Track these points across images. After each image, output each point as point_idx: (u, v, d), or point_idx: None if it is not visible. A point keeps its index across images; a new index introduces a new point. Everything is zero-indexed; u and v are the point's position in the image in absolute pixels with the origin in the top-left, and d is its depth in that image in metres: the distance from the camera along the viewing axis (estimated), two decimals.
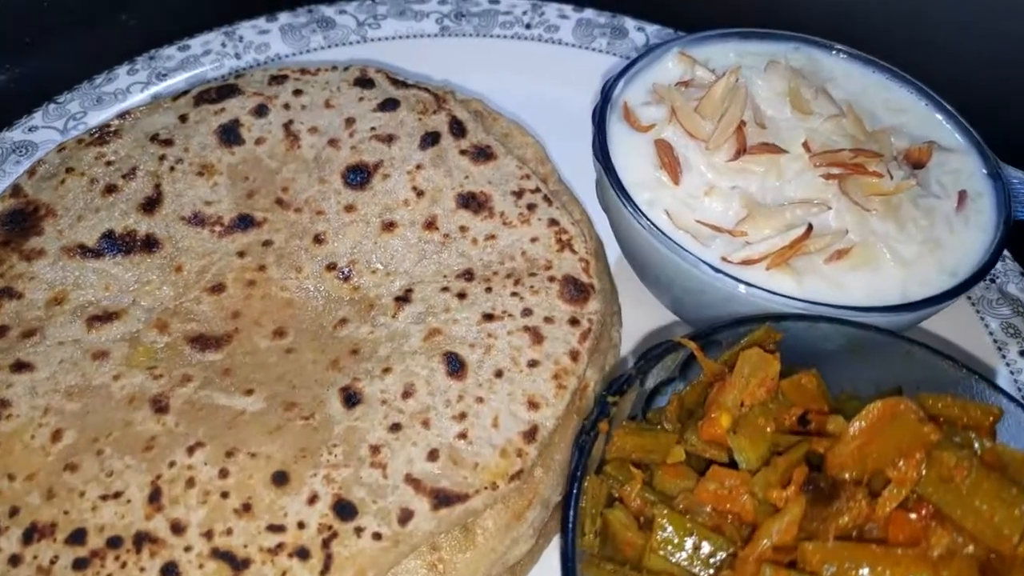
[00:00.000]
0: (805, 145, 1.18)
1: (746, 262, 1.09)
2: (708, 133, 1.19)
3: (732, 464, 0.89)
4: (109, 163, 1.30)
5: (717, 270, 1.07)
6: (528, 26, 1.73)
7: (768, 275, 1.08)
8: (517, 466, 1.02)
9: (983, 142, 1.27)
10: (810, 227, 1.08)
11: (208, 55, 1.63)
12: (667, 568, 0.84)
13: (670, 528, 0.84)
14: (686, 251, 1.09)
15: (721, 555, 0.84)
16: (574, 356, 1.11)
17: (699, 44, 1.37)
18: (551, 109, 1.60)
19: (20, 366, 1.09)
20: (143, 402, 1.07)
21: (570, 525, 0.87)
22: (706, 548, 0.84)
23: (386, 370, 1.09)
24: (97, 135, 1.34)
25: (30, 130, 1.49)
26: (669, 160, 1.18)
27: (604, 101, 1.26)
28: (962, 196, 1.19)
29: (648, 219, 1.12)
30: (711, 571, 0.84)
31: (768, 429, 0.89)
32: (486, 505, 1.00)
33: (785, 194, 1.16)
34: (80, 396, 1.07)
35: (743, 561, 0.81)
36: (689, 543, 0.84)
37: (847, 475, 0.83)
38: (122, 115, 1.38)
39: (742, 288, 1.05)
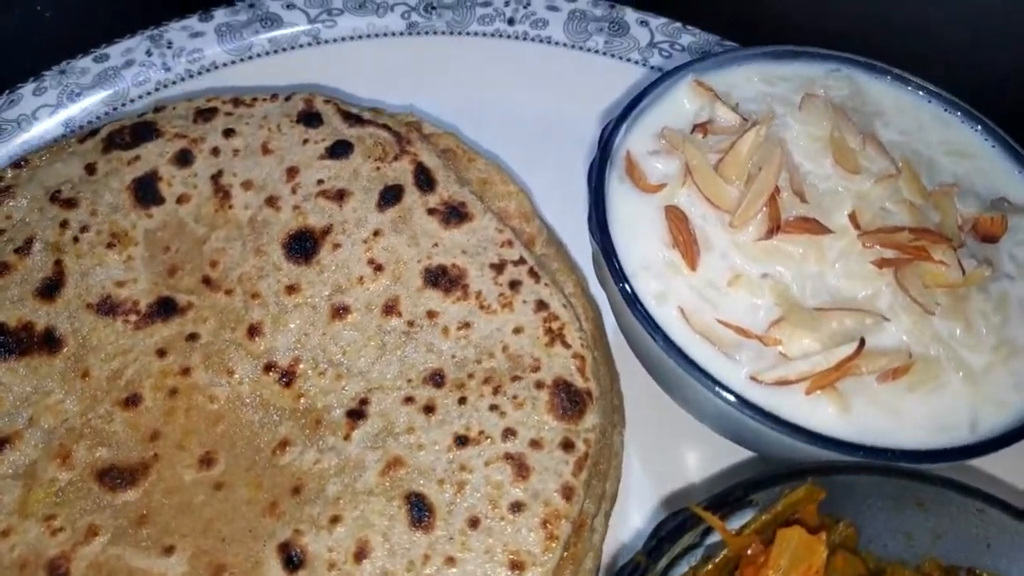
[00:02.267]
0: (852, 218, 0.95)
1: (781, 382, 0.87)
2: (733, 202, 0.96)
3: None
4: None
5: (744, 401, 0.86)
6: (511, 21, 1.46)
7: (808, 401, 0.87)
8: None
9: None
10: (862, 343, 0.86)
11: (130, 67, 1.36)
12: None
13: None
14: (706, 373, 0.87)
15: None
16: (567, 494, 0.91)
17: (718, 68, 1.12)
18: (537, 128, 1.36)
19: None
20: (38, 569, 0.87)
21: None
22: None
23: (335, 519, 0.89)
24: None
25: None
26: (684, 237, 0.95)
27: (602, 156, 1.02)
28: None
29: (660, 327, 0.90)
30: None
31: None
32: None
33: (827, 284, 0.94)
34: None
35: None
36: None
37: None
38: (17, 163, 1.14)
39: (776, 431, 0.84)
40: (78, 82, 1.34)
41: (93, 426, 0.96)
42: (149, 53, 1.38)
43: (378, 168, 1.11)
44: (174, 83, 1.37)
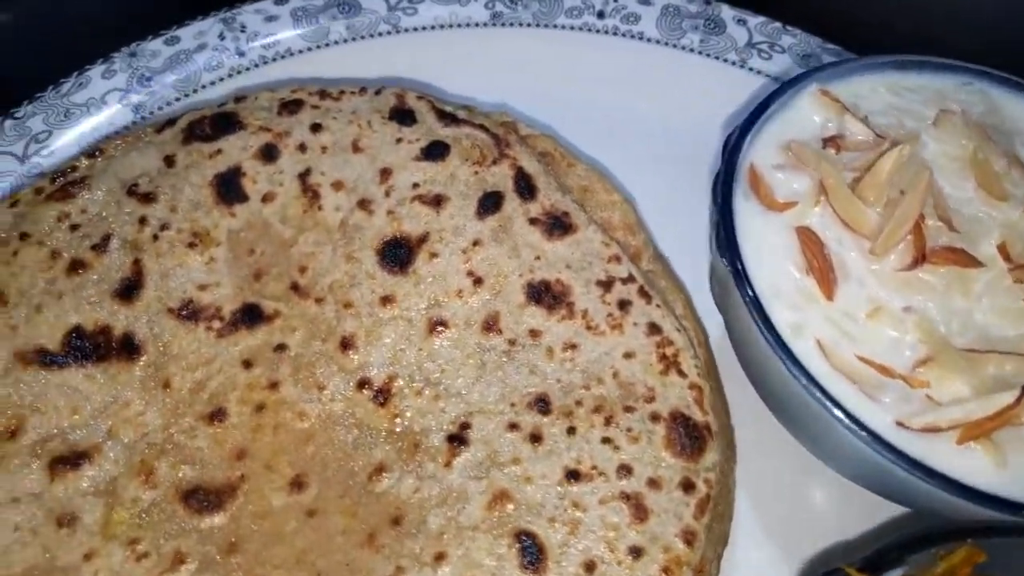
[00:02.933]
0: (1001, 249, 0.88)
1: (929, 429, 0.80)
2: (873, 227, 0.89)
3: None
4: (75, 227, 1.01)
5: (894, 449, 0.79)
6: (601, 14, 1.38)
7: (960, 451, 0.80)
8: None
9: None
10: (1023, 392, 0.79)
11: (202, 50, 1.29)
12: None
13: None
14: (851, 416, 0.80)
15: None
16: (689, 539, 0.84)
17: (841, 78, 1.04)
18: (627, 129, 1.28)
19: None
20: None
21: None
22: None
23: (439, 556, 0.83)
24: (60, 184, 1.04)
25: None
26: (820, 263, 0.88)
27: (728, 169, 0.94)
28: None
29: (800, 363, 0.82)
30: None
31: None
32: None
33: (974, 320, 0.86)
34: None
35: None
36: None
37: None
38: (91, 152, 1.08)
39: (928, 483, 0.77)
40: (148, 65, 1.27)
41: (176, 441, 0.90)
42: (222, 36, 1.31)
43: (476, 172, 1.04)
44: (247, 69, 1.30)
